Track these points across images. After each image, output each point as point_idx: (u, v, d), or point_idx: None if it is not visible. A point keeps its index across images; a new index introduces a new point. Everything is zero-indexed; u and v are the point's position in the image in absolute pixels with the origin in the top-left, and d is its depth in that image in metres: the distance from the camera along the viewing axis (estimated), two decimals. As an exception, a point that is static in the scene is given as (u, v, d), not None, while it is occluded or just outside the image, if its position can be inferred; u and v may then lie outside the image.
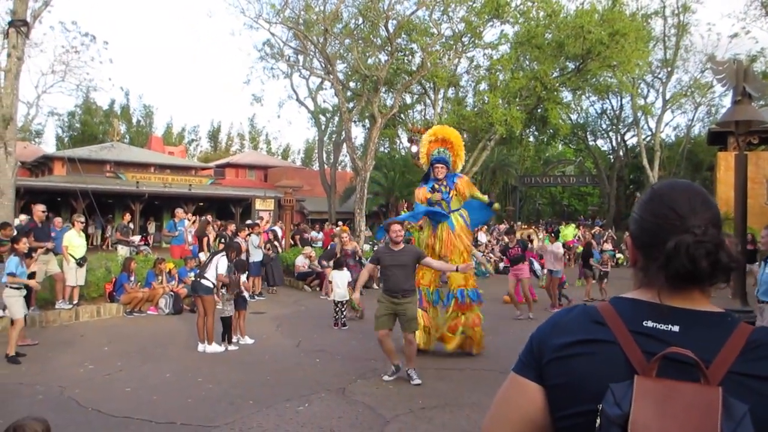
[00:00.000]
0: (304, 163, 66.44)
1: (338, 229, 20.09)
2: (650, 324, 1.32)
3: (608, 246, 24.73)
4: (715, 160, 27.90)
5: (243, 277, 10.38)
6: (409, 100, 37.19)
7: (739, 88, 7.27)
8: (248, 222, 18.56)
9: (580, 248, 21.13)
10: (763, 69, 35.19)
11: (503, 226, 30.11)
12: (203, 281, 9.67)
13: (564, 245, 23.04)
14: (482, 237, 24.84)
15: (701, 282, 1.32)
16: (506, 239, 15.52)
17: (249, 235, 15.39)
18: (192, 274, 13.21)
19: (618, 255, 25.69)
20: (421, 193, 9.57)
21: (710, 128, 27.75)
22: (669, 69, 34.40)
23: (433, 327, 9.32)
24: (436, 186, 9.40)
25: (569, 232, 26.15)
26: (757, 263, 10.23)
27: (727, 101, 33.86)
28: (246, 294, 10.54)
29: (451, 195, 9.35)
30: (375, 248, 20.37)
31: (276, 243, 17.46)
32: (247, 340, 10.17)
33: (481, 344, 9.33)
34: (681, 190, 1.40)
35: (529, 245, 15.44)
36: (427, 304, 9.27)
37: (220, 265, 9.69)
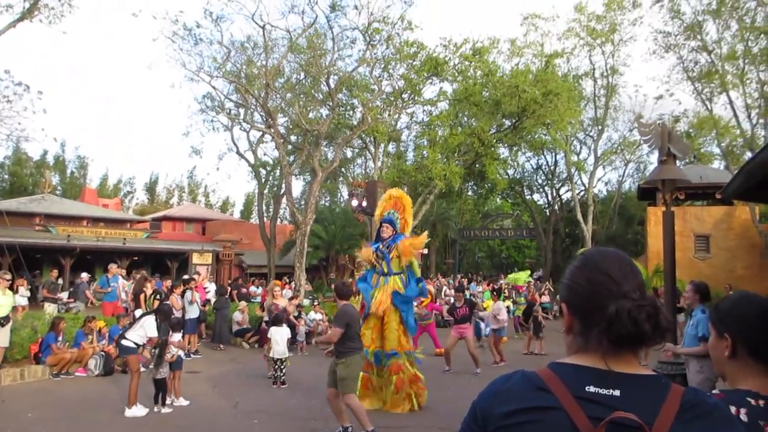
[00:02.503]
0: (243, 216, 65.68)
1: (272, 283, 19.86)
2: (593, 389, 1.34)
3: (546, 298, 25.19)
4: (646, 215, 29.02)
5: (178, 336, 10.06)
6: (350, 154, 37.65)
7: (664, 149, 7.67)
8: (184, 277, 18.15)
9: (522, 299, 21.52)
10: (686, 129, 37.23)
11: (443, 279, 30.38)
12: (123, 341, 9.37)
13: (509, 295, 23.38)
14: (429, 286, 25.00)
15: (641, 344, 1.36)
16: (453, 298, 15.63)
17: (185, 291, 15.02)
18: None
19: (555, 307, 26.17)
20: (367, 253, 9.83)
21: (639, 184, 28.94)
22: (600, 127, 35.87)
23: (376, 387, 9.34)
24: (381, 247, 9.64)
25: (522, 276, 26.33)
26: (683, 314, 10.61)
27: (655, 158, 35.49)
28: (181, 353, 10.20)
29: (391, 255, 9.50)
30: (315, 303, 20.23)
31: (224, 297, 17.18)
32: (182, 402, 9.79)
33: (423, 399, 9.40)
34: (612, 257, 1.45)
35: (477, 306, 15.70)
36: (367, 366, 9.25)
37: (147, 325, 9.37)
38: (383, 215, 9.90)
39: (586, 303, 1.41)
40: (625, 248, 37.43)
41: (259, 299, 21.84)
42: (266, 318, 16.54)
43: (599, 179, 42.57)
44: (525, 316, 16.75)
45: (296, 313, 16.98)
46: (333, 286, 8.35)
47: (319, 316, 17.99)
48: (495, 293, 16.38)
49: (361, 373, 8.85)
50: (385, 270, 9.48)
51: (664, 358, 7.33)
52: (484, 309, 16.84)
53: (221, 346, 16.20)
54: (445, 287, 26.47)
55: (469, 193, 42.68)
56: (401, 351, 9.36)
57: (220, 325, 16.40)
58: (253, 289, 23.79)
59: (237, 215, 66.32)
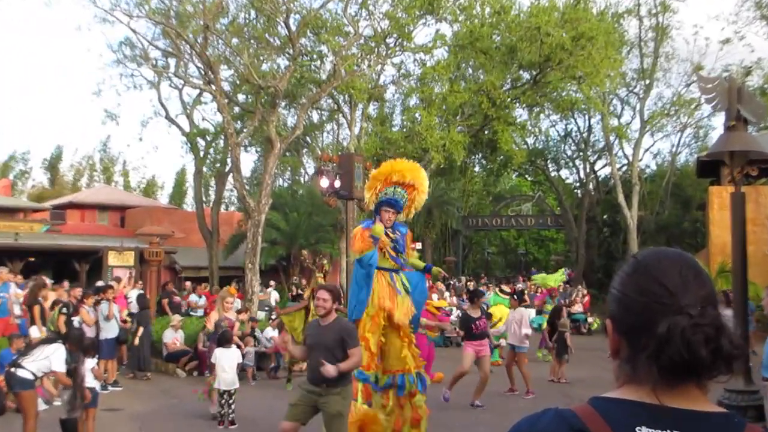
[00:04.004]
0: (174, 201, 65.32)
1: (224, 290, 19.84)
2: (645, 431, 1.37)
3: (577, 308, 25.41)
4: (707, 197, 29.20)
5: (92, 363, 10.01)
6: (317, 119, 37.51)
7: (732, 112, 7.70)
8: (98, 284, 18.04)
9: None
10: (760, 84, 37.22)
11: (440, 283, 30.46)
12: (20, 372, 9.13)
13: (540, 302, 23.46)
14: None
15: (699, 374, 1.39)
16: (467, 307, 15.66)
17: (98, 302, 14.95)
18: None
19: (590, 319, 26.41)
20: (380, 230, 8.85)
21: (699, 157, 29.06)
22: (647, 82, 35.93)
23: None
24: (390, 234, 9.07)
25: (554, 278, 26.43)
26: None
27: (719, 122, 35.77)
28: (96, 385, 10.17)
29: (407, 252, 9.31)
30: (272, 317, 20.20)
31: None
32: (98, 450, 9.79)
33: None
34: (671, 260, 1.48)
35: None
36: (366, 394, 8.75)
37: (55, 359, 9.14)
38: (381, 194, 9.29)
39: (634, 320, 1.45)
40: (681, 241, 37.89)
41: (201, 312, 21.83)
42: (206, 337, 16.53)
43: (646, 150, 42.77)
44: (551, 326, 16.90)
45: (245, 330, 17.01)
46: (322, 288, 7.98)
47: (277, 334, 18.05)
48: (515, 297, 16.39)
49: (364, 407, 8.59)
50: (402, 262, 9.17)
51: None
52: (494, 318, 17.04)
53: (147, 375, 16.17)
54: (446, 292, 26.48)
55: (476, 169, 42.91)
56: (413, 371, 8.99)
57: (143, 346, 16.34)
58: (194, 299, 23.72)
59: (166, 201, 65.99)
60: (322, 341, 7.48)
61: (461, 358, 13.30)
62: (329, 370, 7.17)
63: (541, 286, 26.06)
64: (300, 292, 24.04)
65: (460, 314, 14.78)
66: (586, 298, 28.22)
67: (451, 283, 30.10)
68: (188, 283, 27.40)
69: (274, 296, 26.06)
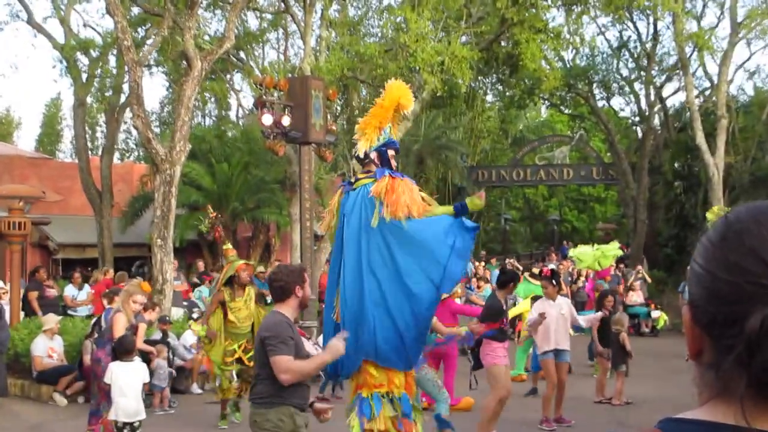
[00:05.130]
0: (44, 148, 64.99)
1: (133, 283, 19.72)
2: None
3: (636, 297, 25.59)
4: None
5: None
6: (255, 26, 37.39)
7: None
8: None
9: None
10: None
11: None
12: None
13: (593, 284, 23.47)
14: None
15: None
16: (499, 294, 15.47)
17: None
18: None
19: (655, 313, 26.65)
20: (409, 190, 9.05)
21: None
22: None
23: None
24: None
25: (604, 254, 25.75)
26: None
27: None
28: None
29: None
30: (196, 319, 20.18)
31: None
32: None
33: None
34: None
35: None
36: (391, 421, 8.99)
37: None
38: (382, 135, 9.37)
39: (721, 308, 1.44)
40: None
41: (86, 311, 21.85)
42: (95, 346, 16.48)
43: (739, 67, 42.90)
44: (603, 325, 16.87)
45: (151, 334, 17.04)
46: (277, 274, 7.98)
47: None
48: (554, 282, 15.78)
49: None
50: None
51: None
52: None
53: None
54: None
55: (489, 98, 42.82)
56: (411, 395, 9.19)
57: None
58: (71, 292, 23.69)
59: (31, 147, 65.63)
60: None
61: (489, 375, 13.13)
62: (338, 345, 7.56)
63: (583, 266, 25.83)
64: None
65: (488, 300, 14.50)
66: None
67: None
68: (77, 275, 27.13)
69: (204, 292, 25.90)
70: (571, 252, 27.02)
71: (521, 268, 27.95)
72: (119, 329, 12.89)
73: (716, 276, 1.45)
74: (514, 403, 14.56)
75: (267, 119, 20.02)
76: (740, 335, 1.36)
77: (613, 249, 25.10)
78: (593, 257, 24.84)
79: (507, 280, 14.03)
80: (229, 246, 15.77)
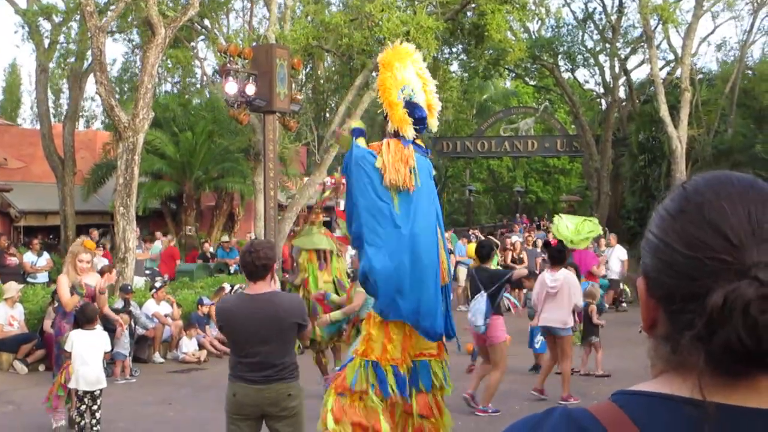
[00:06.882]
0: (5, 114, 64.60)
1: (76, 243, 19.58)
2: None
3: (601, 270, 25.68)
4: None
5: None
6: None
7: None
8: None
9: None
10: None
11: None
12: None
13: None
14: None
15: (766, 367, 1.36)
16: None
17: None
18: None
19: (623, 286, 26.81)
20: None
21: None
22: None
23: None
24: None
25: (585, 229, 24.13)
26: None
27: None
28: None
29: None
30: (159, 285, 20.10)
31: None
32: None
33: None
34: (737, 194, 1.42)
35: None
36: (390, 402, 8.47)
37: None
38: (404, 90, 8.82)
39: (677, 282, 1.41)
40: (753, 170, 38.28)
41: (41, 278, 21.74)
42: (56, 313, 16.40)
43: (703, 40, 43.09)
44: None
45: (117, 303, 16.98)
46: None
47: (167, 309, 17.99)
48: (555, 255, 15.34)
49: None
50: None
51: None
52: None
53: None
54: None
55: (454, 68, 42.70)
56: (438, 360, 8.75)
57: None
58: (30, 258, 23.58)
59: (-7, 113, 65.30)
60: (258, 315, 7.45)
61: (497, 351, 13.04)
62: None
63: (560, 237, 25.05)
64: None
65: (493, 270, 14.27)
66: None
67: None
68: (36, 241, 26.92)
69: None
70: (555, 225, 26.67)
71: (498, 242, 27.93)
72: (63, 291, 12.81)
73: (674, 249, 1.42)
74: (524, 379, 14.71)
75: (231, 87, 19.96)
76: (701, 311, 1.33)
77: (593, 225, 23.20)
78: (570, 234, 23.60)
79: (490, 251, 14.02)
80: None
